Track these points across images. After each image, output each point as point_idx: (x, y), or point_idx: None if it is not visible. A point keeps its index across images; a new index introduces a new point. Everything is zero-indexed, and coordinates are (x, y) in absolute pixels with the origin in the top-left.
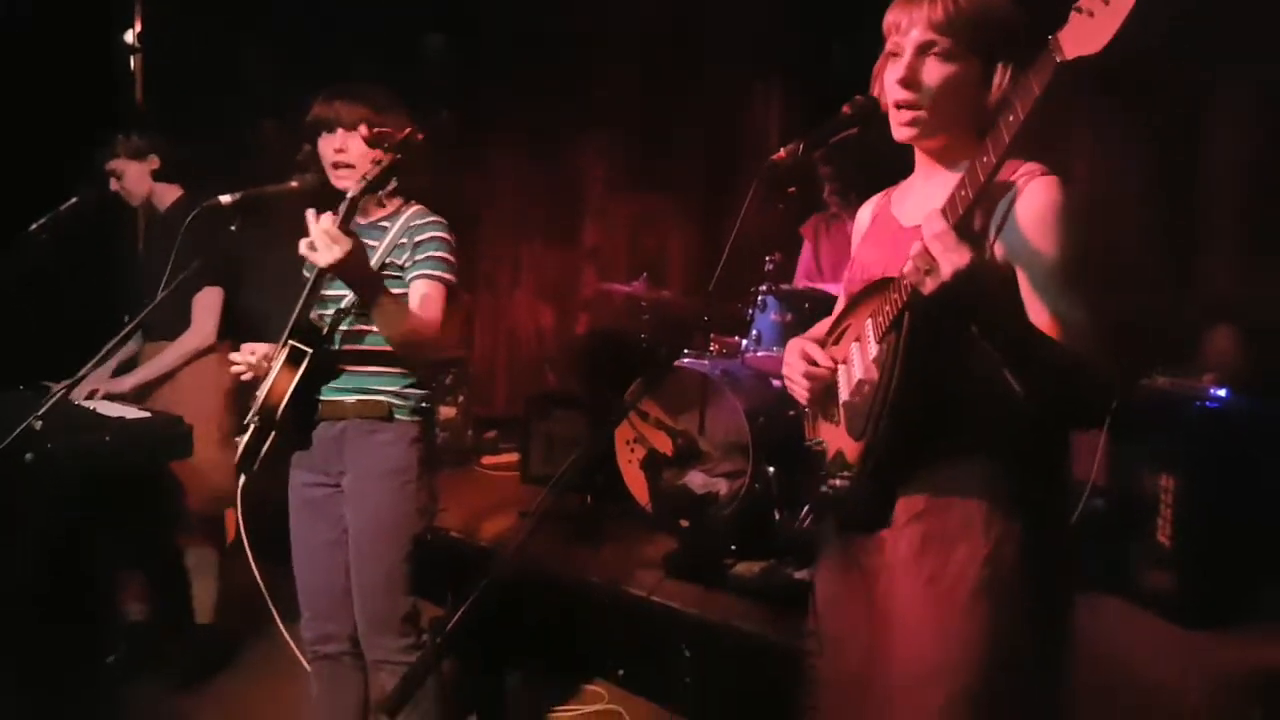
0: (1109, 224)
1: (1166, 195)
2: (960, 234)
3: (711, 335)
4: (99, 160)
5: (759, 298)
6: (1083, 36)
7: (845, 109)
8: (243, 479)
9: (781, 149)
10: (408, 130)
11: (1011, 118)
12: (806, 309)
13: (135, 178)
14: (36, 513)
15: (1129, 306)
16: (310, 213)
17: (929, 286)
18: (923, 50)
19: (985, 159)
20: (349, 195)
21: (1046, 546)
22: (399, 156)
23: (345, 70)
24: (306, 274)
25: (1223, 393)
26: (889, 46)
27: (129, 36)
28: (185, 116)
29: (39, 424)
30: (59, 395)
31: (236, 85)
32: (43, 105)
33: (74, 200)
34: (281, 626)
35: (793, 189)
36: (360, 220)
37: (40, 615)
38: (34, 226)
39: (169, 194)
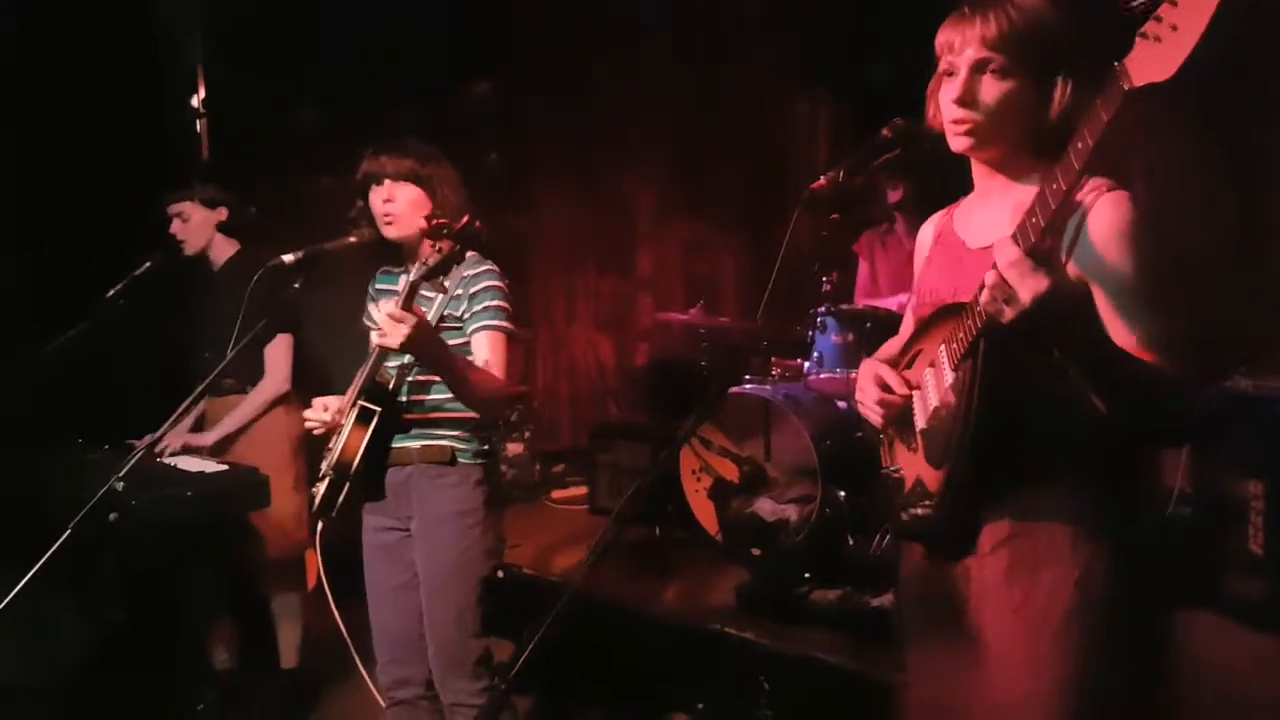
0: (1180, 221)
1: (1237, 186)
2: (1037, 260)
3: (773, 359)
4: (165, 202)
5: (818, 319)
6: (1150, 63)
7: (885, 132)
8: (320, 525)
9: (822, 176)
10: (465, 219)
11: (1080, 145)
12: (868, 328)
13: (200, 225)
14: (123, 568)
15: (1206, 307)
16: (376, 305)
17: (1008, 315)
18: (978, 69)
19: (1055, 186)
20: (410, 279)
21: (1137, 566)
22: (458, 247)
23: (397, 122)
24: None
25: None
26: (943, 66)
27: (195, 101)
28: (247, 176)
29: (120, 485)
30: (139, 455)
31: (294, 144)
32: (111, 169)
33: (148, 264)
34: (362, 669)
35: (836, 215)
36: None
37: (132, 665)
38: (111, 292)
39: (227, 248)
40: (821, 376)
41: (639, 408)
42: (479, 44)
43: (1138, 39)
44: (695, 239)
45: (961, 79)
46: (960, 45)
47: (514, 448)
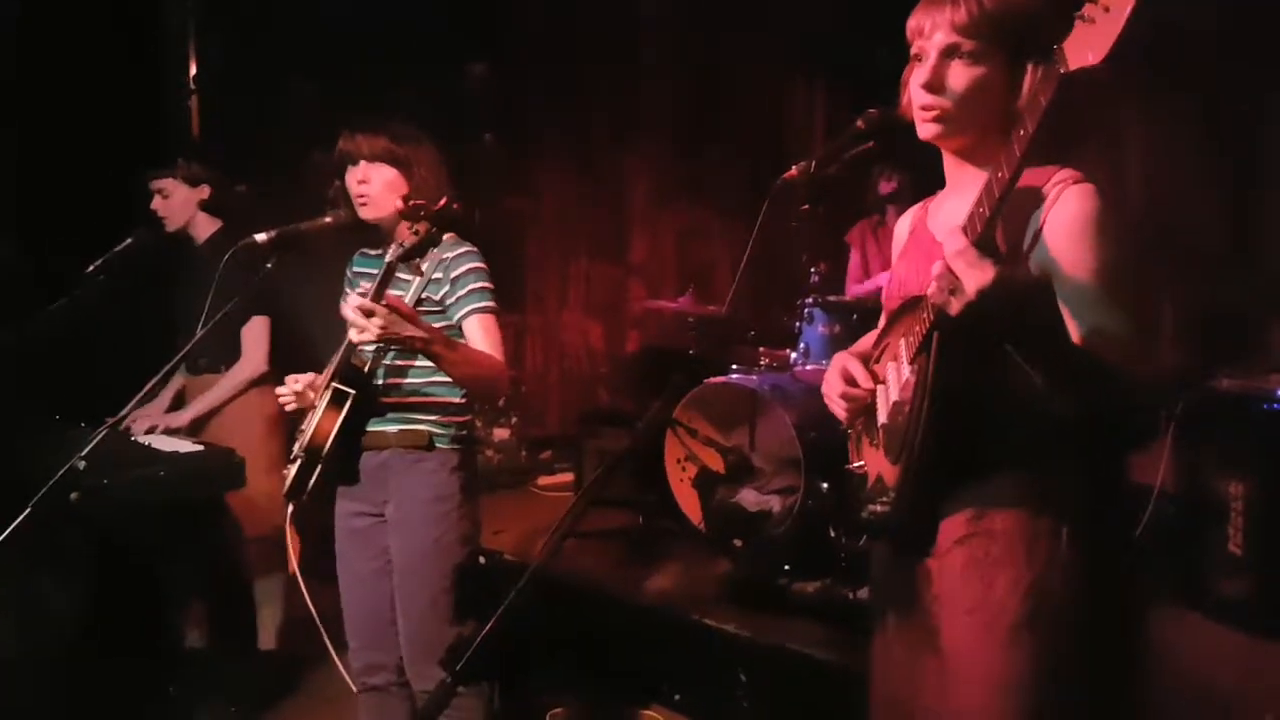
0: (1167, 217)
1: (1228, 184)
2: (983, 250)
3: (761, 349)
4: (148, 178)
5: (805, 310)
6: (1085, 45)
7: (859, 124)
8: (291, 507)
9: (794, 166)
10: (443, 201)
11: (1021, 132)
12: (854, 320)
13: (181, 202)
14: (91, 548)
15: (1190, 303)
16: (352, 297)
17: (954, 307)
18: (947, 54)
19: (1000, 174)
20: (386, 260)
21: (1101, 568)
22: (434, 229)
23: (394, 100)
24: None
25: None
26: (913, 50)
27: (187, 76)
28: (239, 154)
29: (82, 464)
30: (102, 434)
31: (287, 122)
32: (99, 144)
33: (129, 240)
34: (334, 654)
35: (806, 205)
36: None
37: (104, 646)
38: (91, 267)
39: (209, 226)
40: (808, 368)
41: (628, 394)
42: (476, 25)
43: (1076, 21)
44: (690, 226)
45: (930, 64)
46: (930, 30)
47: (500, 433)
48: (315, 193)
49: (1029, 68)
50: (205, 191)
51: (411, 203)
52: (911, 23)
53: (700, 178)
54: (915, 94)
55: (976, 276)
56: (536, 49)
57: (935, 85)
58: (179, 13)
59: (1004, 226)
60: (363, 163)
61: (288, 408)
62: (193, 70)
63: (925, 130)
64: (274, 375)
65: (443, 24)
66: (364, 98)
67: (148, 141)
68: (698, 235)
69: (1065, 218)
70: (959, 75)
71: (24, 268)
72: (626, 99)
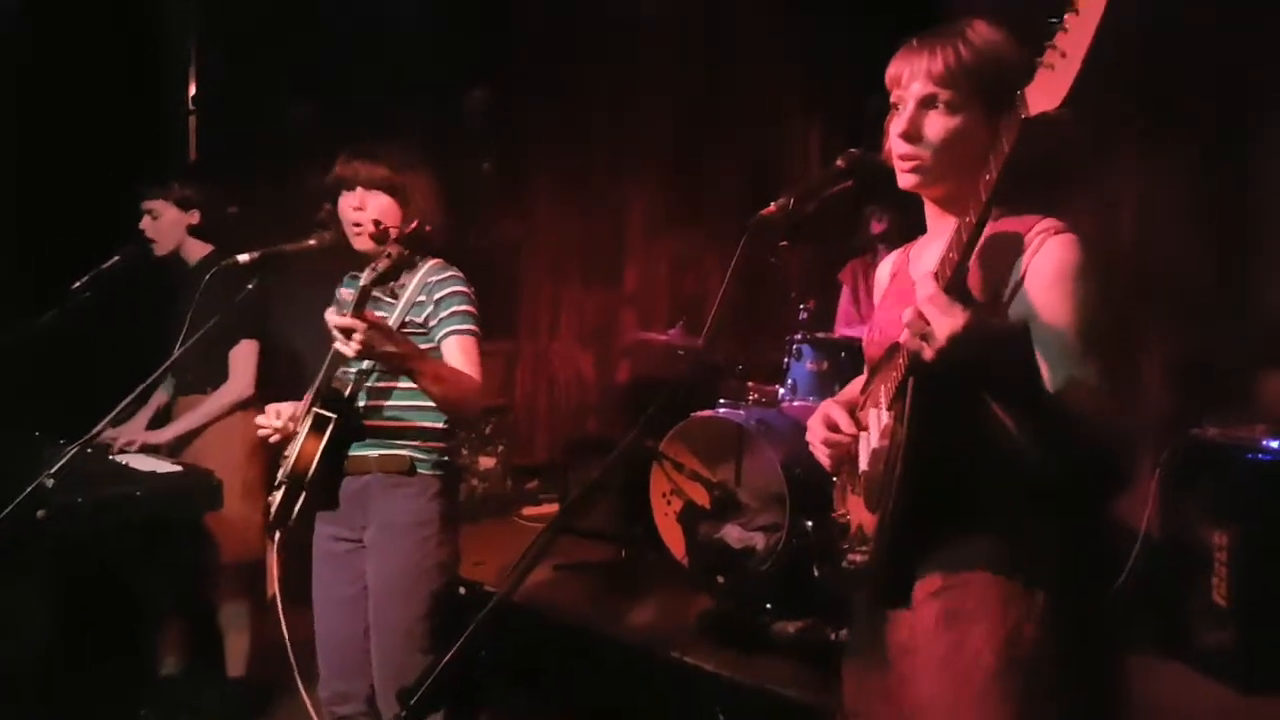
0: (1153, 265)
1: (1214, 232)
2: (954, 295)
3: (750, 383)
4: (140, 198)
5: (794, 346)
6: (1044, 91)
7: (839, 162)
8: (278, 534)
9: (772, 203)
10: (414, 224)
11: (988, 177)
12: (842, 357)
13: (170, 225)
14: (60, 566)
15: (1176, 351)
16: (330, 312)
17: (927, 353)
18: (925, 103)
19: (967, 219)
20: (361, 284)
21: (1078, 622)
22: (405, 251)
23: (393, 125)
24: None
25: (1276, 444)
26: (892, 99)
27: (186, 96)
28: (235, 175)
29: (50, 481)
30: (75, 451)
31: (286, 144)
32: (97, 161)
33: (116, 258)
34: (300, 683)
35: (784, 242)
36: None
37: (71, 668)
38: (77, 284)
39: (199, 250)
40: (795, 404)
41: (617, 425)
42: (476, 51)
43: (1039, 67)
44: (684, 257)
45: (908, 114)
46: (907, 79)
47: (486, 461)
48: (312, 215)
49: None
50: (195, 216)
51: (381, 226)
52: (890, 71)
53: (695, 209)
54: (894, 143)
55: (948, 323)
56: (535, 77)
57: (913, 135)
58: (180, 32)
59: (985, 274)
60: (359, 189)
61: (270, 440)
62: (192, 90)
63: (904, 180)
64: (260, 399)
65: (442, 50)
66: (364, 122)
67: (146, 160)
68: (691, 266)
69: (1046, 267)
70: (936, 125)
71: (21, 283)
72: (624, 129)
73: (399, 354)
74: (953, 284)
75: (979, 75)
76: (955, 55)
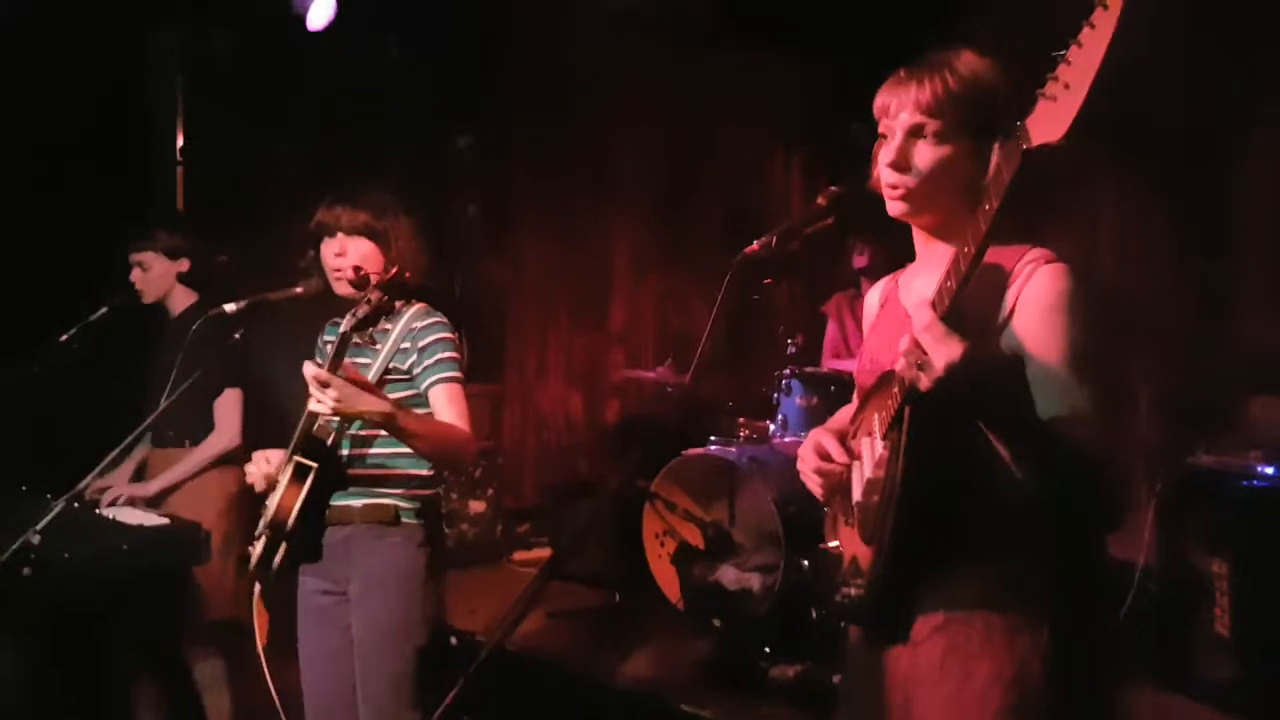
0: (1142, 296)
1: (1200, 262)
2: (951, 324)
3: (740, 419)
4: (128, 249)
5: (783, 381)
6: (1047, 122)
7: (820, 200)
8: (258, 588)
9: (755, 242)
10: (393, 272)
11: (987, 206)
12: (832, 391)
13: (160, 275)
14: (46, 622)
15: (1167, 380)
16: (307, 366)
17: (924, 382)
18: (913, 133)
19: (966, 249)
20: (340, 330)
21: (1083, 657)
22: (385, 297)
23: (378, 172)
24: None
25: (1270, 470)
26: (880, 129)
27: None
28: (222, 223)
29: (37, 538)
30: (61, 507)
31: (272, 192)
32: (83, 212)
33: (103, 310)
34: None
35: (769, 280)
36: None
37: None
38: (64, 336)
39: (186, 298)
40: (787, 439)
41: (608, 465)
42: (461, 96)
43: (1039, 99)
44: (669, 296)
45: (896, 144)
46: (895, 109)
47: (476, 506)
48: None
49: (995, 145)
50: (185, 264)
51: (361, 272)
52: (878, 101)
53: (681, 247)
54: (883, 172)
55: (944, 352)
56: (520, 120)
57: (901, 164)
58: (167, 85)
59: (974, 304)
60: (340, 235)
61: (257, 488)
62: (179, 141)
63: (893, 208)
64: (245, 449)
65: (427, 95)
66: (350, 168)
67: (134, 211)
68: (678, 304)
69: (1035, 297)
70: (925, 154)
71: (8, 336)
72: (608, 170)
73: (377, 413)
74: (950, 313)
75: (967, 105)
76: (943, 85)
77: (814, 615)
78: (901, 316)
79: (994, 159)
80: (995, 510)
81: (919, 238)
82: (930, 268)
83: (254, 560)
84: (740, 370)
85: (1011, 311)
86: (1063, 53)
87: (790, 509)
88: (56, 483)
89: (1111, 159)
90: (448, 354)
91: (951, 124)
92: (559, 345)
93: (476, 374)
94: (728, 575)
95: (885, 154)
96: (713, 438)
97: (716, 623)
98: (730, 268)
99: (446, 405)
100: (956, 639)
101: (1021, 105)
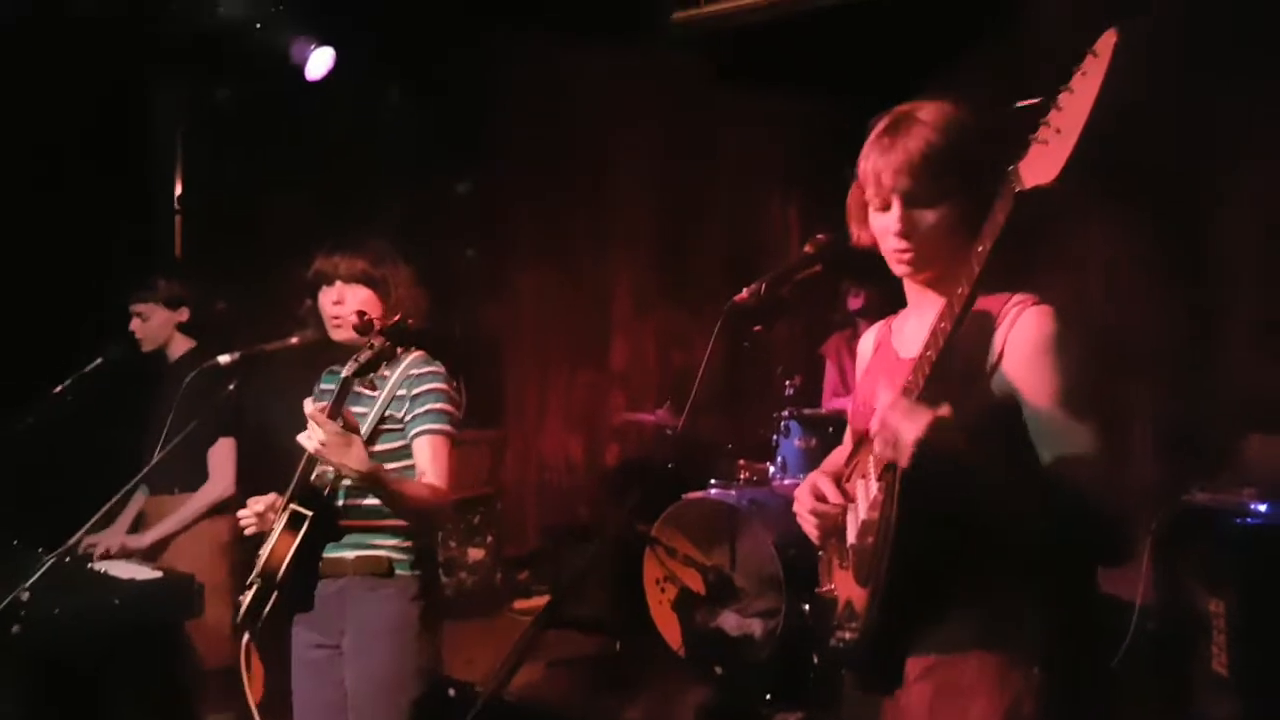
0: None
1: (1190, 300)
2: (912, 400)
3: (741, 461)
4: (128, 300)
5: (782, 423)
6: (1039, 166)
7: (808, 248)
8: (245, 638)
9: (745, 289)
10: (396, 318)
11: (980, 249)
12: (830, 432)
13: (160, 325)
14: (38, 680)
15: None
16: (307, 402)
17: (902, 459)
18: (908, 199)
19: (960, 291)
20: (342, 376)
21: (1075, 696)
22: (388, 343)
23: (378, 218)
24: None
25: (1263, 508)
26: (868, 194)
27: (174, 196)
28: (220, 271)
29: (26, 594)
30: (51, 562)
31: (271, 239)
32: (82, 258)
33: (98, 361)
34: None
35: (758, 327)
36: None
37: None
38: (59, 388)
39: (182, 346)
40: (786, 482)
41: (608, 509)
42: (459, 141)
43: (1031, 143)
44: (669, 338)
45: (896, 213)
46: (886, 179)
47: (475, 553)
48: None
49: (986, 193)
50: (184, 314)
51: (365, 318)
52: (864, 167)
53: (680, 289)
54: (885, 239)
55: (910, 429)
56: (517, 165)
57: (907, 232)
58: (166, 132)
59: (962, 351)
60: (339, 283)
61: (248, 531)
62: (178, 189)
63: (899, 270)
64: (240, 498)
65: (426, 140)
66: (348, 216)
67: (132, 260)
68: (677, 347)
69: (1023, 341)
70: (924, 218)
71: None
72: (607, 212)
73: (355, 470)
74: (944, 355)
75: (951, 159)
76: (926, 144)
77: (815, 661)
78: (894, 360)
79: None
80: (990, 552)
81: (910, 286)
82: (922, 312)
83: (242, 610)
84: (739, 412)
85: (1000, 356)
86: (1053, 98)
87: (790, 552)
88: (50, 536)
89: (1104, 197)
90: (439, 405)
91: (941, 181)
92: (558, 389)
93: (475, 419)
94: (729, 621)
95: (888, 222)
96: (712, 481)
97: (718, 670)
98: (721, 315)
99: (430, 459)
100: (949, 678)
101: (1015, 149)
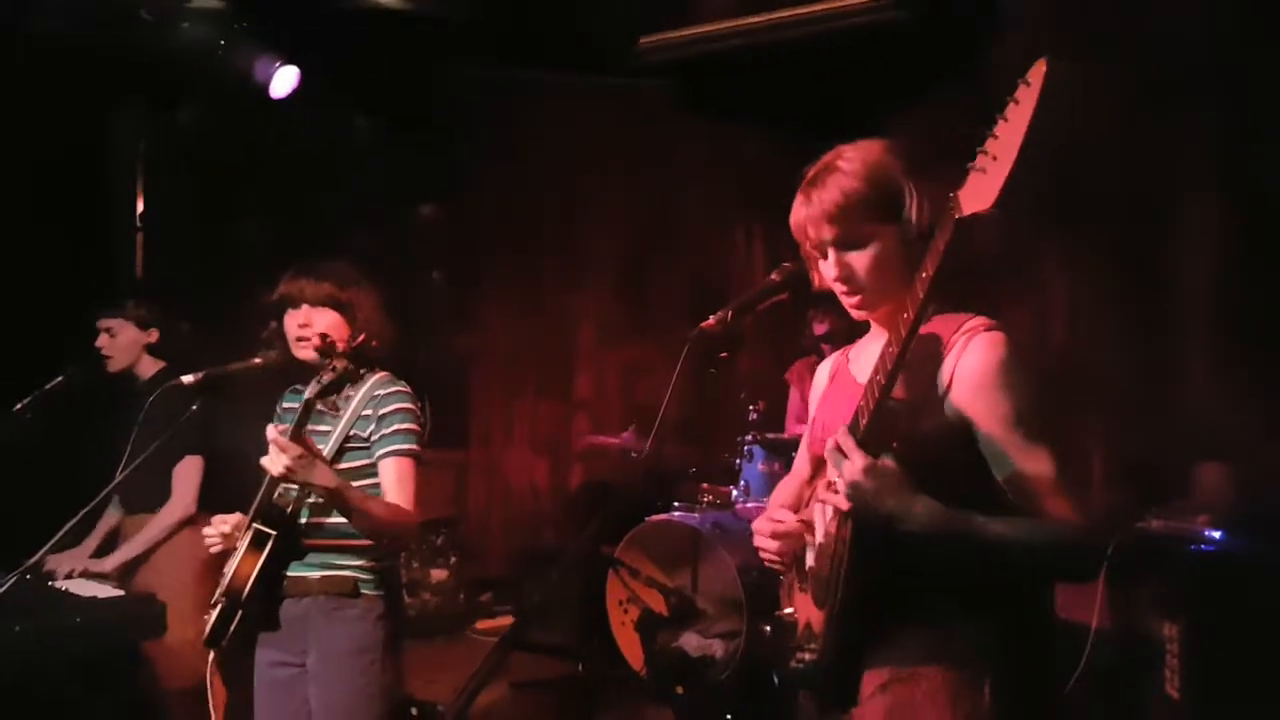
0: (1088, 364)
1: (1137, 326)
2: (869, 422)
3: (704, 485)
4: (96, 316)
5: (745, 447)
6: (976, 193)
7: (774, 276)
8: (212, 655)
9: (711, 316)
10: (360, 339)
11: (924, 274)
12: (793, 456)
13: (128, 344)
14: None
15: (1116, 445)
16: (270, 428)
17: (845, 505)
18: (841, 246)
19: (905, 316)
20: (305, 397)
21: (1026, 714)
22: (350, 365)
23: (343, 241)
24: None
25: (1217, 535)
26: (804, 249)
27: (135, 214)
28: (182, 292)
29: None
30: (14, 580)
31: (234, 260)
32: (41, 278)
33: (60, 378)
34: None
35: (724, 354)
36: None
37: None
38: (19, 405)
39: (152, 367)
40: (749, 505)
41: (572, 532)
42: (425, 165)
43: (970, 171)
44: (635, 363)
45: (833, 260)
46: (813, 231)
47: (438, 574)
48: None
49: (920, 225)
50: (153, 335)
51: (327, 340)
52: (793, 225)
53: (644, 315)
54: (833, 285)
55: (848, 468)
56: (483, 188)
57: (847, 277)
58: (128, 151)
59: (912, 377)
60: (305, 306)
61: (213, 549)
62: (139, 208)
63: (854, 312)
64: (205, 517)
65: (392, 164)
66: (314, 236)
67: (92, 279)
68: (642, 371)
69: (973, 366)
70: (860, 261)
71: None
72: (573, 237)
73: (322, 487)
74: (892, 378)
75: (870, 197)
76: (839, 191)
77: (776, 682)
78: (851, 386)
79: (916, 237)
80: (943, 572)
81: (870, 317)
82: (877, 339)
83: (208, 628)
84: (703, 437)
85: (950, 381)
86: (990, 128)
87: (752, 574)
88: (11, 557)
89: (1060, 226)
90: (405, 425)
91: (868, 222)
92: (523, 412)
93: (440, 441)
94: (691, 642)
95: (828, 270)
96: (676, 504)
97: (679, 690)
98: (686, 341)
99: (395, 480)
100: (901, 695)
101: (952, 175)
